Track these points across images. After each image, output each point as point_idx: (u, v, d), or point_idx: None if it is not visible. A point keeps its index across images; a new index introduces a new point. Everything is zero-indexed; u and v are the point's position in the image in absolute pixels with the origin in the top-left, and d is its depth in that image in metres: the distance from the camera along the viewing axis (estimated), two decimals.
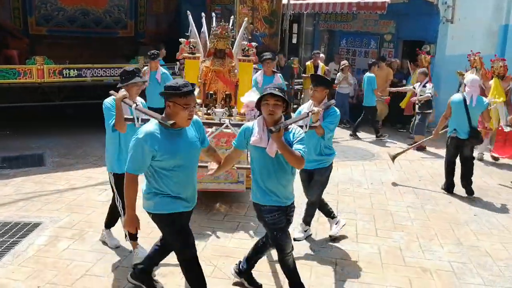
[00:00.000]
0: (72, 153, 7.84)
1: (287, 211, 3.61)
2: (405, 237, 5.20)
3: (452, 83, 9.88)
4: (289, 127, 3.48)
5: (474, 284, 4.27)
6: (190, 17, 6.50)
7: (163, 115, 3.22)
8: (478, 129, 6.69)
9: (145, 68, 7.92)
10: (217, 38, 5.68)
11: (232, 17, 7.22)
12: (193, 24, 6.38)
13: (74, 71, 8.71)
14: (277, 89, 3.42)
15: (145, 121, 4.47)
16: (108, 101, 4.20)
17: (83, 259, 4.37)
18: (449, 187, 6.76)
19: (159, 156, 3.10)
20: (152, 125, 3.17)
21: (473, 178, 6.76)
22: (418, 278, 4.33)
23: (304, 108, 4.68)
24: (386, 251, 4.82)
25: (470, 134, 6.42)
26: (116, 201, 4.35)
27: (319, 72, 10.31)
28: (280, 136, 3.30)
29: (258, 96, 4.79)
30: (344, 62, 10.51)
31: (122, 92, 4.06)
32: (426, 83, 9.11)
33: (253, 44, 6.12)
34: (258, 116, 3.79)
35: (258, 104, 3.51)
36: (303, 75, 10.67)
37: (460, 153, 6.65)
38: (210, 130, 5.11)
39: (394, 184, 7.07)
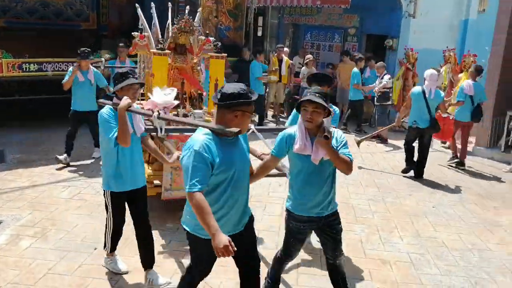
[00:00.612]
0: (33, 150, 7.62)
1: (326, 221, 3.39)
2: (366, 230, 5.31)
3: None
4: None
5: (430, 274, 4.40)
6: (139, 11, 6.04)
7: (214, 123, 2.85)
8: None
9: (73, 67, 7.01)
10: (180, 32, 5.27)
11: (199, 10, 6.94)
12: (143, 17, 5.96)
13: (34, 65, 8.43)
14: (317, 94, 3.17)
15: (168, 131, 4.28)
16: (105, 112, 3.69)
17: (46, 257, 4.28)
18: (408, 170, 7.35)
19: (216, 169, 2.73)
20: (201, 135, 2.78)
21: (433, 169, 7.15)
22: (378, 269, 4.44)
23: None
24: (347, 244, 4.89)
25: (429, 123, 6.95)
26: (107, 219, 3.98)
27: (283, 66, 10.37)
28: (331, 142, 3.14)
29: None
30: (309, 56, 10.60)
31: (126, 100, 3.56)
32: (385, 75, 9.38)
33: (211, 39, 5.86)
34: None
35: (298, 108, 3.29)
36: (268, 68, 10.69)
37: (420, 141, 7.20)
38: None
39: (360, 167, 7.45)
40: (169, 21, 6.16)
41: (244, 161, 2.93)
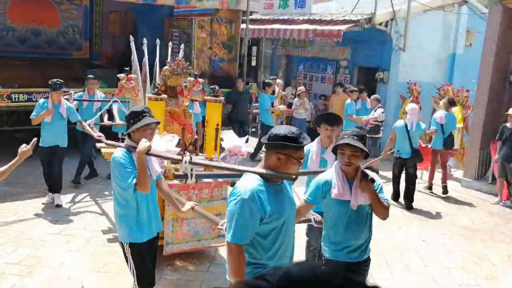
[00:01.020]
0: (21, 182, 7.43)
1: (360, 267, 3.32)
2: None
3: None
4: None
5: None
6: (132, 44, 5.78)
7: (261, 166, 2.65)
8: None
9: (44, 102, 6.50)
10: (172, 75, 4.95)
11: (183, 46, 6.56)
12: (135, 52, 5.74)
13: (23, 95, 8.35)
14: (355, 137, 3.11)
15: (200, 177, 3.95)
16: (120, 156, 3.38)
17: None
18: (396, 197, 7.67)
19: (267, 218, 2.53)
20: (251, 180, 2.57)
21: (423, 201, 7.39)
22: None
23: (312, 148, 4.29)
24: None
25: (412, 154, 7.39)
26: (132, 273, 3.62)
27: (276, 97, 10.41)
28: (373, 187, 3.11)
29: (242, 141, 4.57)
30: (301, 88, 10.66)
31: (145, 142, 3.29)
32: (378, 107, 9.45)
33: (200, 80, 5.51)
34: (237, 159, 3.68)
35: (335, 151, 3.26)
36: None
37: (406, 171, 7.55)
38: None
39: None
40: (157, 60, 5.93)
41: (292, 208, 2.78)
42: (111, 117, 7.12)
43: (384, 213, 3.21)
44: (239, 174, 2.87)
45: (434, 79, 11.86)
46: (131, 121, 3.46)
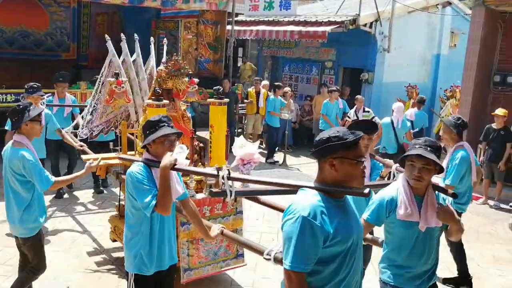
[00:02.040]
0: None
1: None
2: None
3: (389, 109, 10.36)
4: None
5: None
6: (109, 43, 5.11)
7: (316, 181, 2.22)
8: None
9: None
10: (170, 76, 4.44)
11: (165, 40, 6.03)
12: (115, 54, 5.10)
13: (11, 96, 8.42)
14: (429, 148, 2.73)
15: (239, 194, 3.35)
16: (137, 171, 2.94)
17: None
18: None
19: (330, 241, 2.09)
20: (310, 195, 2.15)
21: None
22: None
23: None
24: None
25: (397, 150, 7.60)
26: None
27: (261, 98, 10.53)
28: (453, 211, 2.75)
29: (255, 147, 3.99)
30: (287, 89, 10.80)
31: (171, 156, 2.88)
32: (365, 111, 9.60)
33: (195, 80, 5.02)
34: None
35: (402, 162, 2.88)
36: (246, 101, 10.84)
37: None
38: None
39: None
40: (152, 58, 5.53)
41: (360, 228, 2.31)
42: None
43: (458, 235, 2.88)
44: (291, 190, 2.44)
45: (418, 80, 12.01)
46: (147, 131, 3.03)
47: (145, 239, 2.99)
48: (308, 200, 2.12)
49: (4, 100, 8.37)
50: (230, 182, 2.90)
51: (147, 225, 2.98)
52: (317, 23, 10.99)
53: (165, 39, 5.99)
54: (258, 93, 10.62)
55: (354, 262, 2.19)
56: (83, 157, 5.08)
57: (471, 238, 6.50)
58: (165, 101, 4.33)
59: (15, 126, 3.70)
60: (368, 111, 9.47)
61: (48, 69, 10.88)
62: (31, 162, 3.55)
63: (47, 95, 6.66)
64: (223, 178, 2.88)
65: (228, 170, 2.96)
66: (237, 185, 3.36)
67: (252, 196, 3.79)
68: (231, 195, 2.93)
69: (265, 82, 11.20)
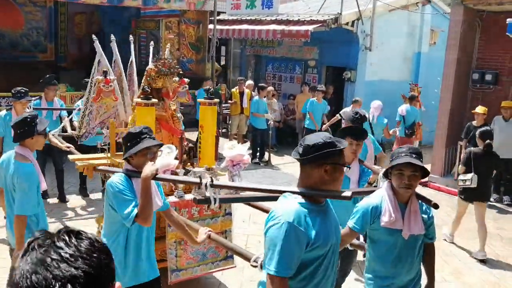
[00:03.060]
0: None
1: None
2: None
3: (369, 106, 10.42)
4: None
5: None
6: (97, 43, 5.08)
7: (299, 185, 2.26)
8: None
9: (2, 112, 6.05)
10: (159, 75, 4.39)
11: (152, 43, 6.00)
12: (103, 54, 5.11)
13: (8, 105, 8.03)
14: (414, 155, 2.77)
15: (223, 201, 3.31)
16: (117, 181, 2.92)
17: None
18: None
19: (312, 245, 2.14)
20: (292, 202, 2.18)
21: None
22: None
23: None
24: None
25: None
26: None
27: (245, 99, 10.44)
28: None
29: (244, 148, 4.07)
30: (269, 88, 10.73)
31: (152, 166, 2.85)
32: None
33: (186, 80, 4.91)
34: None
35: (386, 173, 2.91)
36: (230, 101, 10.73)
37: None
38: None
39: None
40: (132, 58, 5.46)
41: (338, 233, 2.38)
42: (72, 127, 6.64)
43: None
44: (274, 196, 2.45)
45: (400, 78, 12.11)
46: (128, 144, 3.00)
47: (121, 250, 2.96)
48: (292, 206, 2.14)
49: None
50: (213, 189, 2.89)
51: (123, 237, 2.96)
52: (299, 22, 10.96)
53: (152, 42, 5.94)
54: (242, 93, 10.53)
55: (330, 266, 2.25)
56: (70, 157, 5.02)
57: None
58: (154, 100, 4.28)
59: (20, 138, 3.57)
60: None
61: (24, 71, 10.59)
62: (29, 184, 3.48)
63: (34, 98, 6.51)
64: (206, 186, 2.87)
65: (211, 177, 2.99)
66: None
67: (241, 202, 3.81)
68: (215, 202, 2.94)
69: (250, 82, 11.12)
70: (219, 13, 11.68)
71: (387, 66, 11.72)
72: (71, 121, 6.53)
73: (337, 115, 9.75)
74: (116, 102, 4.87)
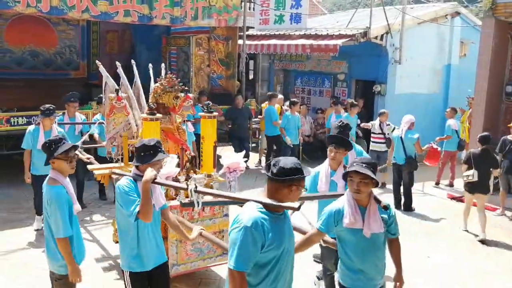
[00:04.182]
0: (21, 207, 7.38)
1: None
2: None
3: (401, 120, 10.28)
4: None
5: None
6: (101, 67, 5.69)
7: (264, 195, 2.69)
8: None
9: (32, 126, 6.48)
10: (164, 92, 4.93)
11: (163, 65, 6.34)
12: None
13: (22, 118, 8.28)
14: (364, 164, 3.16)
15: (206, 204, 3.87)
16: (125, 184, 3.43)
17: None
18: (397, 204, 8.13)
19: (266, 247, 2.57)
20: (254, 210, 2.61)
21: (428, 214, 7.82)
22: None
23: (322, 170, 4.41)
24: None
25: (405, 161, 7.97)
26: None
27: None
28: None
29: (240, 157, 4.71)
30: (295, 100, 10.73)
31: (151, 172, 3.33)
32: (387, 124, 9.46)
33: (191, 95, 5.55)
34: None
35: (345, 177, 3.30)
36: (260, 116, 10.70)
37: (403, 178, 8.12)
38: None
39: None
40: (136, 79, 5.95)
41: (292, 238, 2.81)
42: (95, 141, 7.48)
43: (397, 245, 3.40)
44: (243, 202, 2.89)
45: (429, 91, 11.98)
46: (142, 154, 3.47)
47: (133, 241, 3.46)
48: (252, 213, 2.58)
49: (16, 123, 8.25)
50: (197, 194, 3.41)
51: (135, 230, 3.45)
52: (328, 36, 10.95)
53: (150, 65, 6.38)
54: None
55: (285, 265, 2.69)
56: (89, 167, 5.62)
57: (490, 250, 6.49)
58: (159, 115, 4.81)
59: (45, 163, 3.69)
60: (389, 124, 9.37)
61: (58, 89, 10.79)
62: (59, 206, 3.51)
63: (58, 114, 6.89)
64: (191, 191, 3.39)
65: (195, 184, 3.47)
66: None
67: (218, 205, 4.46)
68: (198, 205, 3.46)
69: (280, 96, 11.08)
70: (247, 29, 11.76)
71: (417, 79, 11.61)
72: (91, 135, 7.18)
73: (366, 125, 9.67)
74: (128, 117, 5.37)
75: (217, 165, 5.36)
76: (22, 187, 8.22)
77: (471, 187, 7.00)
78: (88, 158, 5.96)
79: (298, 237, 3.22)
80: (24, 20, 10.55)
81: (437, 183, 9.73)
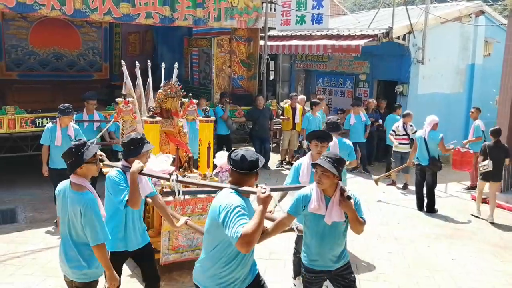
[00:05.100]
0: (47, 206, 7.46)
1: (337, 272, 3.67)
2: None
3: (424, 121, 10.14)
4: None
5: None
6: (125, 68, 6.05)
7: (231, 183, 3.06)
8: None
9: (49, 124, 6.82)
10: (167, 98, 5.32)
11: (176, 64, 6.67)
12: (128, 76, 6.04)
13: (47, 119, 8.39)
14: (329, 159, 3.42)
15: (185, 193, 4.38)
16: (114, 175, 3.80)
17: None
18: (420, 205, 8.11)
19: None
20: (233, 195, 2.96)
21: (452, 216, 7.79)
22: None
23: (303, 162, 4.72)
24: None
25: (429, 162, 7.85)
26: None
27: (297, 114, 10.37)
28: (352, 204, 3.41)
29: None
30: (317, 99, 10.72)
31: (138, 164, 3.67)
32: (410, 125, 9.38)
33: (194, 100, 5.90)
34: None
35: (313, 167, 3.58)
36: (281, 117, 10.66)
37: (426, 180, 8.02)
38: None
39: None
40: (138, 80, 6.28)
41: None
42: (111, 137, 8.10)
43: (359, 229, 3.48)
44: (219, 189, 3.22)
45: (453, 90, 11.77)
46: (132, 147, 3.84)
47: (122, 226, 3.83)
48: (234, 197, 2.94)
49: (40, 124, 8.35)
50: (178, 184, 3.90)
51: (122, 215, 3.81)
52: (350, 37, 10.86)
53: (175, 67, 6.65)
54: (294, 109, 10.46)
55: None
56: (101, 164, 5.72)
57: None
58: (158, 118, 5.20)
59: (70, 169, 3.50)
60: (411, 125, 9.26)
61: (81, 90, 10.87)
62: (95, 212, 3.40)
63: (76, 112, 7.36)
64: (172, 181, 3.80)
65: (177, 174, 3.90)
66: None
67: (195, 194, 4.83)
68: (179, 194, 4.02)
69: (301, 97, 11.02)
70: (269, 29, 11.74)
71: (440, 79, 11.43)
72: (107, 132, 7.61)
73: (391, 132, 9.54)
74: (135, 120, 5.59)
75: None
76: (48, 186, 8.37)
77: (485, 176, 7.72)
78: (101, 155, 6.04)
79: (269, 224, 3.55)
80: (48, 22, 10.71)
81: (473, 187, 9.29)
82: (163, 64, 6.54)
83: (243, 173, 3.01)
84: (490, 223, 7.48)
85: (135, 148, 3.83)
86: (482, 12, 11.98)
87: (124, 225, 3.84)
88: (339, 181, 3.49)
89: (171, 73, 6.80)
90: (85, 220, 3.35)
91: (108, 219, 3.80)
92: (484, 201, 8.65)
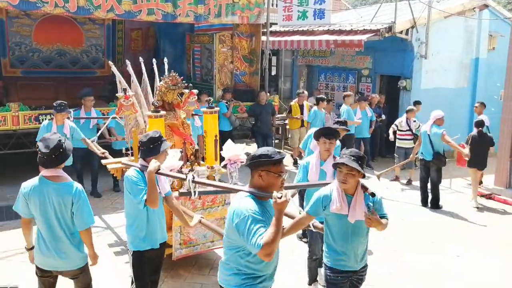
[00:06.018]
0: None
1: (357, 274, 3.62)
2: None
3: (427, 116, 10.10)
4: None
5: None
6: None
7: (249, 186, 2.93)
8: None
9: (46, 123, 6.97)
10: (168, 90, 5.24)
11: (165, 60, 6.62)
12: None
13: (50, 116, 8.44)
14: (353, 158, 3.35)
15: (201, 193, 4.27)
16: (132, 174, 3.77)
17: None
18: (424, 201, 8.14)
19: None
20: (247, 200, 2.85)
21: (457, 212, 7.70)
22: None
23: (312, 160, 4.70)
24: None
25: (433, 157, 7.85)
26: (132, 282, 3.99)
27: (304, 111, 10.33)
28: (378, 218, 3.36)
29: (240, 149, 4.96)
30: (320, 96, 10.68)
31: (155, 163, 3.64)
32: (414, 121, 9.39)
33: (195, 91, 5.75)
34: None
35: (335, 167, 3.53)
36: (294, 117, 10.50)
37: (431, 174, 8.02)
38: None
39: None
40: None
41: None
42: (110, 134, 8.14)
43: (383, 228, 3.46)
44: (236, 191, 3.16)
45: (457, 85, 11.72)
46: (151, 146, 3.79)
47: (142, 224, 3.82)
48: (248, 203, 2.81)
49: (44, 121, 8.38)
50: (194, 184, 3.85)
51: (144, 214, 3.79)
52: (352, 32, 10.83)
53: (166, 61, 6.55)
54: (301, 106, 10.43)
55: None
56: (103, 162, 5.97)
57: None
58: (162, 112, 5.09)
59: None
60: (415, 121, 9.25)
61: (84, 87, 10.89)
62: (85, 197, 3.66)
63: (73, 109, 7.53)
64: (189, 181, 3.80)
65: (193, 175, 3.91)
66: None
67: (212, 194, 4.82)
68: (194, 195, 3.93)
69: (305, 93, 10.99)
70: (271, 25, 11.71)
71: (443, 74, 11.37)
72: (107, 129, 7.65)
73: (393, 126, 9.53)
74: (136, 114, 5.60)
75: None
76: None
77: (469, 163, 8.04)
78: (103, 153, 6.24)
79: (287, 221, 3.34)
80: (52, 20, 10.72)
81: (480, 182, 9.10)
82: (165, 59, 6.50)
83: (248, 167, 2.95)
84: (475, 207, 7.92)
85: (154, 146, 3.79)
86: (486, 6, 11.88)
87: (146, 224, 3.84)
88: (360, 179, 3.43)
89: (173, 68, 6.74)
90: (77, 206, 3.52)
91: (129, 219, 3.89)
92: (489, 197, 8.65)
